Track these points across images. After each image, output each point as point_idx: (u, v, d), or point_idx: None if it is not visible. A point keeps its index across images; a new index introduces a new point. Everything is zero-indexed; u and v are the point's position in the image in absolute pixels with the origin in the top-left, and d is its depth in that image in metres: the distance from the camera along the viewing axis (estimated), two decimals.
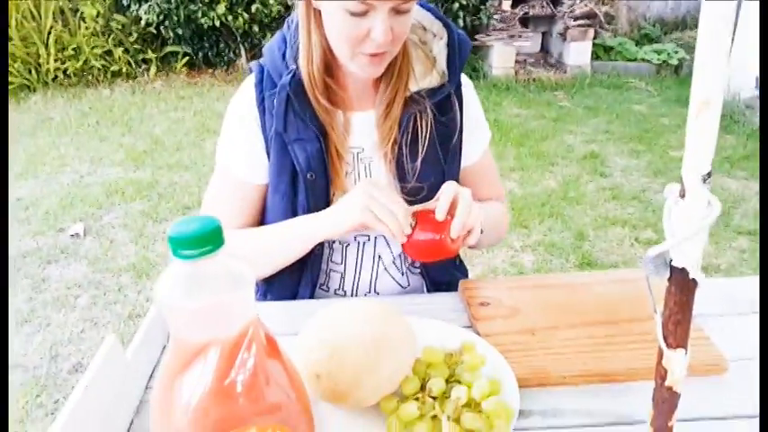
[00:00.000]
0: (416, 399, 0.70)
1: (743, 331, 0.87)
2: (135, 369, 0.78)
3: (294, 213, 0.99)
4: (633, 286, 0.97)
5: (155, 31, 5.08)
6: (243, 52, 5.18)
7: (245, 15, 4.86)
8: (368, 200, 0.87)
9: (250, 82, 0.99)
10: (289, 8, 4.76)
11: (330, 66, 0.95)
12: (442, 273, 1.10)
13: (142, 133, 4.07)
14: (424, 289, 1.11)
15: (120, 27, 5.10)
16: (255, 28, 5.00)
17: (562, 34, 5.27)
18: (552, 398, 0.76)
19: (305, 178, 0.96)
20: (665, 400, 0.50)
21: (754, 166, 3.54)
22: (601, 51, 5.43)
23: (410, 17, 0.88)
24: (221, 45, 5.25)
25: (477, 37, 5.03)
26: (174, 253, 0.48)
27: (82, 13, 5.00)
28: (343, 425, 0.71)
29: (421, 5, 0.99)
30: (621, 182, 3.41)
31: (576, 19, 5.20)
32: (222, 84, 5.05)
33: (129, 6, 4.99)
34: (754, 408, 0.73)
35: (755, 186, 3.32)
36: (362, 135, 1.00)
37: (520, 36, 5.21)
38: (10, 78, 4.77)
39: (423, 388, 0.72)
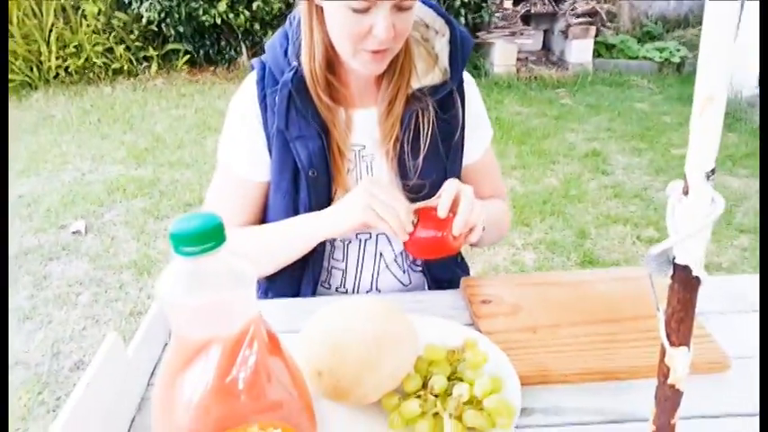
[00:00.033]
0: (418, 396, 0.70)
1: (745, 329, 0.87)
2: (136, 366, 0.78)
3: (296, 211, 0.99)
4: (635, 284, 0.97)
5: (156, 29, 5.07)
6: (244, 50, 5.18)
7: (247, 13, 4.85)
8: (369, 198, 0.87)
9: (252, 79, 0.99)
10: (290, 5, 4.76)
11: (332, 63, 0.95)
12: (443, 270, 1.09)
13: (143, 131, 4.07)
14: (426, 286, 1.11)
15: (121, 24, 5.10)
16: (257, 26, 4.99)
17: (564, 32, 5.26)
18: (554, 396, 0.76)
19: (306, 176, 0.96)
20: (668, 398, 0.50)
21: (756, 164, 3.54)
22: (603, 49, 5.42)
23: (412, 14, 0.88)
24: (222, 43, 5.24)
25: (478, 34, 5.02)
26: (175, 250, 0.48)
27: (83, 10, 5.00)
28: (344, 422, 0.71)
29: (423, 2, 0.99)
30: (623, 180, 3.41)
31: (577, 17, 5.19)
32: (223, 81, 5.05)
33: (130, 4, 4.99)
34: (756, 406, 0.73)
35: (757, 184, 3.32)
36: (364, 132, 0.99)
37: (521, 34, 5.20)
38: (11, 76, 4.77)
39: (424, 385, 0.72)
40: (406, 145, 0.98)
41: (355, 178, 1.00)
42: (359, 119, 0.99)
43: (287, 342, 0.57)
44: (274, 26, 4.90)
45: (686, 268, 0.44)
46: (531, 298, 0.93)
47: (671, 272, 0.46)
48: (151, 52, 5.18)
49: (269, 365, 0.52)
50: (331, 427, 0.70)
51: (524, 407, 0.73)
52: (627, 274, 1.02)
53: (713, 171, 0.41)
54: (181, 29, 4.98)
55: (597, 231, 2.87)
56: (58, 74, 4.96)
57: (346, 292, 1.08)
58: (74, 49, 4.98)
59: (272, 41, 0.98)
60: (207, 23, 4.88)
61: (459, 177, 1.03)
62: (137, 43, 5.18)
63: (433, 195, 0.92)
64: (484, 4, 5.00)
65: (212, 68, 5.30)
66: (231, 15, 4.83)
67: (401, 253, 1.08)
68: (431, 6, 1.00)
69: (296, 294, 1.05)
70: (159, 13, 4.85)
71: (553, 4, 5.27)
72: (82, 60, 4.98)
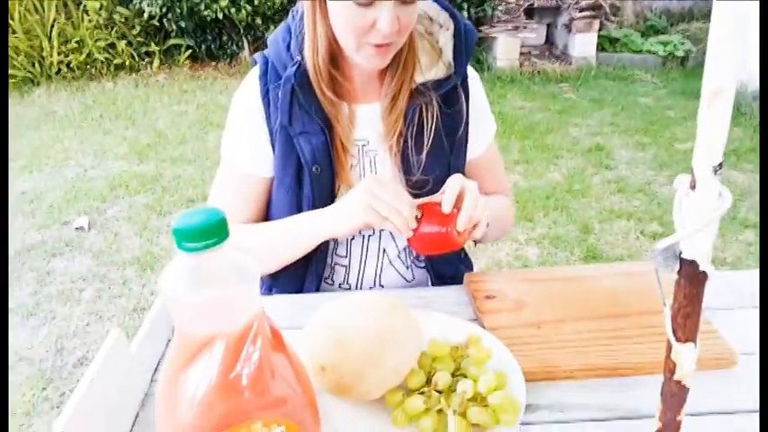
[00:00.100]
0: (422, 392, 0.70)
1: (750, 325, 0.86)
2: (140, 362, 0.78)
3: (299, 207, 0.98)
4: (640, 279, 0.96)
5: (158, 24, 5.07)
6: (246, 45, 5.17)
7: (248, 7, 4.84)
8: (370, 199, 0.86)
9: (254, 74, 0.98)
10: (292, 0, 4.75)
11: (335, 57, 0.94)
12: (446, 266, 1.09)
13: (145, 126, 4.07)
14: (429, 282, 1.10)
15: (123, 20, 5.09)
16: (258, 20, 4.98)
17: (567, 26, 5.24)
18: (558, 392, 0.75)
19: (310, 171, 0.95)
20: (674, 395, 0.49)
21: None
22: (606, 43, 5.40)
23: (416, 7, 0.87)
24: (224, 38, 5.24)
25: (481, 28, 5.00)
26: (178, 246, 0.47)
27: (85, 5, 4.99)
28: (348, 418, 0.71)
29: None
30: (627, 174, 3.40)
31: (581, 10, 5.16)
32: (225, 77, 5.04)
33: None
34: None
35: None
36: (368, 127, 0.99)
37: (524, 27, 5.19)
38: (14, 72, 4.78)
39: (428, 382, 0.71)
40: (409, 140, 0.97)
41: (359, 174, 1.00)
42: (362, 114, 0.99)
43: (290, 338, 0.57)
44: (276, 21, 4.89)
45: (693, 263, 0.44)
46: (536, 293, 0.93)
47: (677, 267, 0.45)
48: (153, 47, 5.17)
49: (272, 362, 0.52)
50: (335, 424, 0.69)
51: (529, 403, 0.72)
52: (631, 269, 1.01)
53: (721, 165, 0.41)
54: (182, 24, 4.98)
55: (601, 226, 2.87)
56: (59, 69, 4.97)
57: (349, 288, 1.08)
58: (76, 45, 4.98)
59: (275, 36, 0.97)
60: (208, 18, 4.87)
61: (462, 173, 1.02)
62: (138, 38, 5.18)
63: (437, 191, 0.91)
64: None
65: (214, 64, 5.30)
66: (233, 10, 4.82)
67: (404, 249, 1.08)
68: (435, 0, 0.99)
69: (299, 290, 1.05)
70: (161, 8, 4.85)
71: None
72: (84, 56, 4.98)
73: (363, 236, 1.04)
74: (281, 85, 0.93)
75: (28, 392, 1.89)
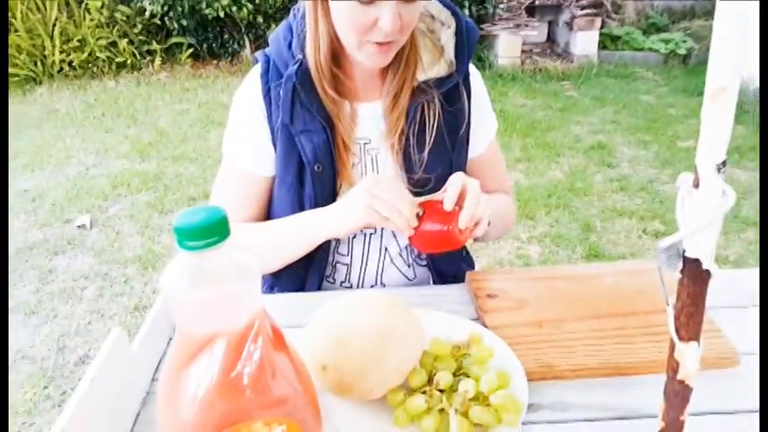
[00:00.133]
0: (424, 392, 0.69)
1: (753, 324, 0.86)
2: (141, 361, 0.78)
3: (301, 206, 0.98)
4: (642, 278, 0.96)
5: (159, 23, 5.07)
6: (247, 43, 5.17)
7: (250, 6, 4.84)
8: (370, 199, 0.86)
9: (256, 72, 0.98)
10: None
11: (337, 55, 0.94)
12: (448, 264, 1.09)
13: (147, 125, 4.07)
14: (431, 281, 1.10)
15: (124, 18, 5.09)
16: (260, 19, 4.98)
17: (569, 23, 5.23)
18: (561, 391, 0.75)
19: (312, 170, 0.95)
20: (677, 394, 0.49)
21: None
22: (608, 41, 5.39)
23: (418, 5, 0.87)
24: (225, 36, 5.23)
25: (482, 26, 5.00)
26: (179, 244, 0.47)
27: (86, 4, 5.00)
28: (349, 418, 0.70)
29: None
30: (629, 173, 3.39)
31: (582, 8, 5.16)
32: (227, 75, 5.04)
33: None
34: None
35: None
36: (369, 126, 0.99)
37: (526, 25, 5.18)
38: (16, 71, 4.78)
39: (430, 381, 0.71)
40: (411, 138, 0.97)
41: (360, 172, 1.00)
42: (364, 112, 0.98)
43: (291, 337, 0.57)
44: (277, 19, 4.89)
45: (696, 262, 0.44)
46: (537, 292, 0.92)
47: (680, 265, 0.45)
48: (154, 46, 5.18)
49: (274, 360, 0.52)
50: (336, 423, 0.69)
51: (531, 402, 0.72)
52: (633, 267, 1.01)
53: (724, 163, 0.41)
54: (184, 22, 4.98)
55: (603, 224, 2.86)
56: (61, 68, 4.97)
57: (351, 286, 1.07)
58: (77, 44, 4.98)
59: (276, 34, 0.97)
60: (210, 17, 4.87)
61: (464, 171, 1.02)
62: (140, 37, 5.18)
63: (439, 189, 0.91)
64: None
65: (215, 62, 5.30)
66: (234, 8, 4.81)
67: (406, 247, 1.07)
68: None
69: (301, 289, 1.04)
70: (162, 7, 4.85)
71: None
72: (85, 54, 4.99)
73: (365, 234, 1.04)
74: (282, 83, 0.93)
75: (29, 391, 1.89)
